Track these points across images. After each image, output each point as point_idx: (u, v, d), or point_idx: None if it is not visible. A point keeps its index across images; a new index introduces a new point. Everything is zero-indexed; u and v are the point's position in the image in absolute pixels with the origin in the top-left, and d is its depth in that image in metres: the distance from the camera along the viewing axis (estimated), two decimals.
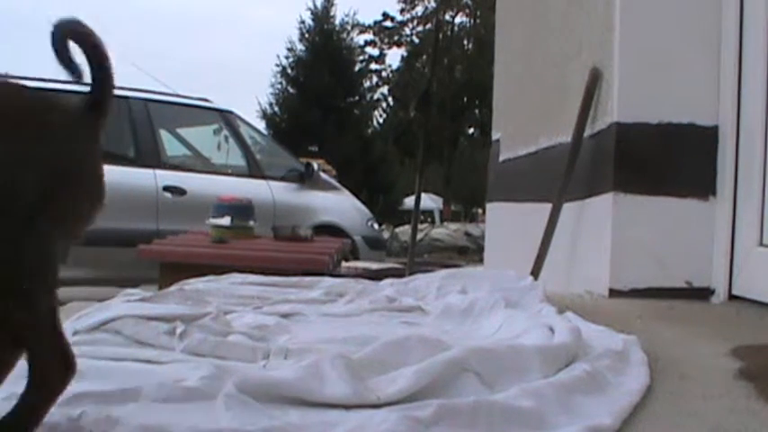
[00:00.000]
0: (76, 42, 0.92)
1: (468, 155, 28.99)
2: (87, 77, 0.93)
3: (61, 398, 1.00)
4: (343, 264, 4.01)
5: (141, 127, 6.01)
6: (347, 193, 6.91)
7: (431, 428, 0.93)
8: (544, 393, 1.06)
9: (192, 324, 1.37)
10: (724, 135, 2.19)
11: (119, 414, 0.95)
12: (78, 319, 1.39)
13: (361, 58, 27.68)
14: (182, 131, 6.79)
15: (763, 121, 2.05)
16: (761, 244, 2.04)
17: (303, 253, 3.43)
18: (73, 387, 1.05)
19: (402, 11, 30.08)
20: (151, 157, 6.00)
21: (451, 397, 1.05)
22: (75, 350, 1.24)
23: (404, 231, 13.89)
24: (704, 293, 2.19)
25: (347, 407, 1.03)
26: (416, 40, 29.92)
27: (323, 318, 1.69)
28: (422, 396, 1.05)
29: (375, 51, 30.31)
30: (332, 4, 22.82)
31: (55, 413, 0.95)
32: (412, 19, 30.28)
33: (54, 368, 0.89)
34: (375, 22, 29.86)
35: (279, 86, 22.64)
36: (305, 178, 6.42)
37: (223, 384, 1.03)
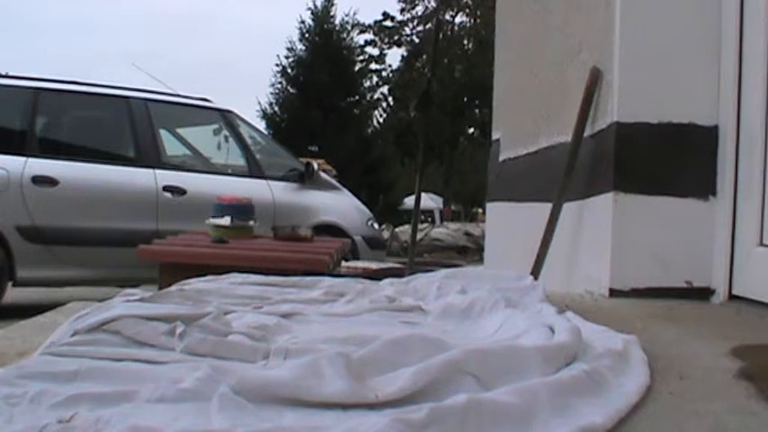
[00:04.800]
0: None
1: (468, 155, 29.02)
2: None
3: (56, 399, 0.99)
4: (343, 264, 4.00)
5: (141, 127, 6.02)
6: (347, 192, 6.91)
7: (422, 431, 0.93)
8: (538, 393, 1.05)
9: (191, 324, 1.37)
10: (724, 135, 2.19)
11: (112, 415, 0.94)
12: (78, 319, 1.39)
13: (361, 57, 27.68)
14: (182, 131, 6.80)
15: (763, 121, 2.05)
16: (761, 244, 2.04)
17: (303, 253, 3.43)
18: (70, 388, 1.05)
19: (402, 11, 30.08)
20: (151, 157, 6.00)
21: (448, 399, 1.04)
22: (75, 350, 1.24)
23: (404, 231, 13.90)
24: (704, 293, 2.19)
25: (345, 406, 1.02)
26: (416, 40, 29.90)
27: (323, 317, 1.68)
28: (421, 397, 1.05)
29: (375, 51, 30.32)
30: (332, 4, 22.82)
31: (45, 415, 0.94)
32: (412, 19, 30.27)
33: None
34: (375, 22, 29.87)
35: (279, 86, 22.65)
36: (305, 178, 6.42)
37: (219, 385, 1.03)
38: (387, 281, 2.18)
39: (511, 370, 1.15)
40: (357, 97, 23.38)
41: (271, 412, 1.00)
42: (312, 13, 22.69)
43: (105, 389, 1.04)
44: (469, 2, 29.13)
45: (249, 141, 6.70)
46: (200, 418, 0.96)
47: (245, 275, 2.19)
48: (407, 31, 30.39)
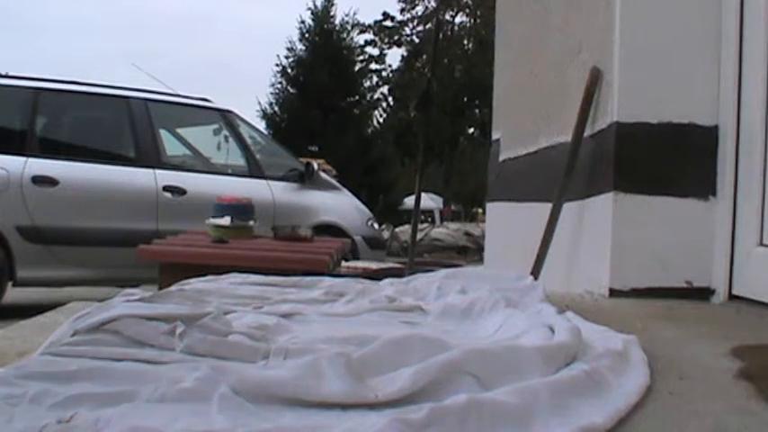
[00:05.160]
0: None
1: (468, 155, 29.03)
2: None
3: (56, 399, 0.99)
4: (343, 264, 4.00)
5: (141, 127, 6.01)
6: (347, 192, 6.91)
7: (421, 431, 0.93)
8: (538, 393, 1.05)
9: (192, 324, 1.37)
10: (724, 135, 2.19)
11: (112, 415, 0.94)
12: (78, 319, 1.39)
13: (361, 57, 27.68)
14: (182, 131, 6.80)
15: (763, 121, 2.05)
16: (761, 244, 2.04)
17: (303, 253, 3.43)
18: (70, 388, 1.04)
19: (402, 11, 30.09)
20: (151, 156, 6.00)
21: (448, 399, 1.04)
22: (75, 350, 1.24)
23: (404, 231, 13.90)
24: (704, 293, 2.19)
25: (345, 406, 1.02)
26: (416, 40, 29.90)
27: (323, 318, 1.68)
28: (421, 397, 1.05)
29: (375, 51, 30.32)
30: (332, 4, 22.84)
31: (45, 415, 0.94)
32: (412, 19, 30.27)
33: None
34: (375, 22, 29.87)
35: (279, 86, 22.66)
36: (305, 178, 6.42)
37: (219, 385, 1.03)
38: (387, 281, 2.18)
39: (511, 370, 1.15)
40: (357, 97, 23.39)
41: (271, 412, 1.00)
42: (312, 13, 22.71)
43: (105, 389, 1.04)
44: (469, 2, 29.13)
45: (249, 141, 6.70)
46: (201, 418, 0.96)
47: (245, 275, 2.19)
48: (407, 31, 30.40)
